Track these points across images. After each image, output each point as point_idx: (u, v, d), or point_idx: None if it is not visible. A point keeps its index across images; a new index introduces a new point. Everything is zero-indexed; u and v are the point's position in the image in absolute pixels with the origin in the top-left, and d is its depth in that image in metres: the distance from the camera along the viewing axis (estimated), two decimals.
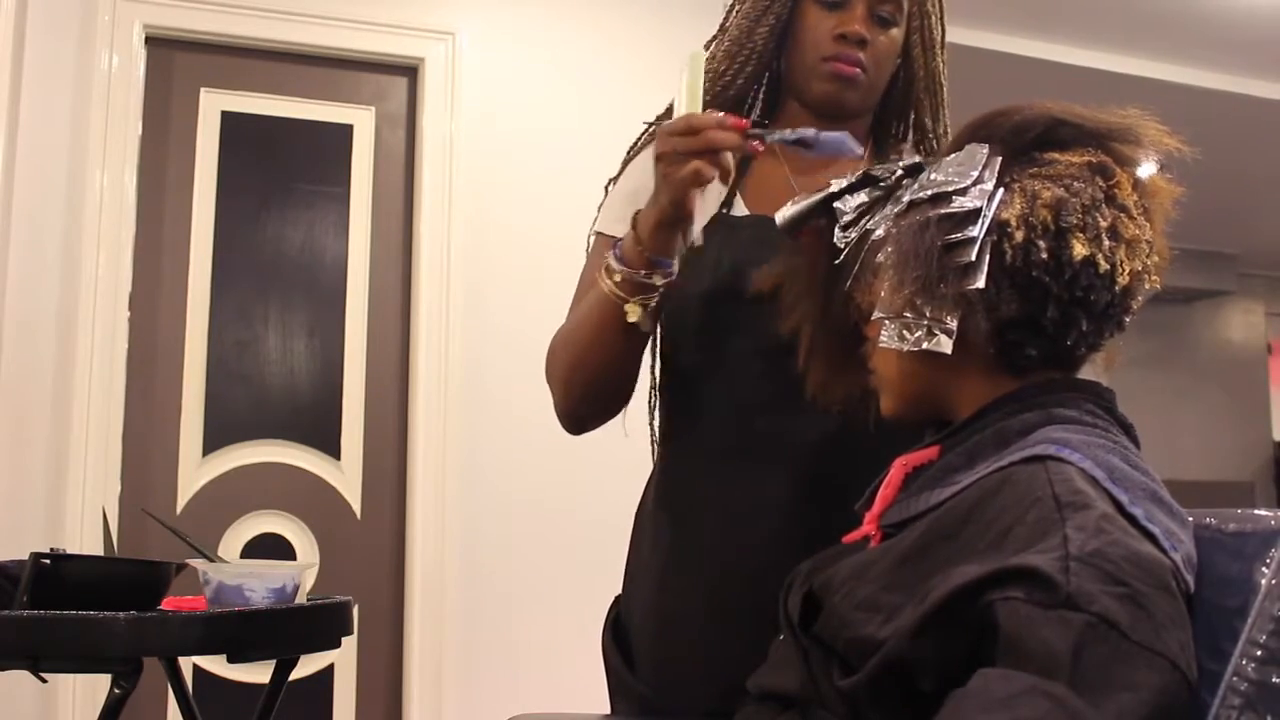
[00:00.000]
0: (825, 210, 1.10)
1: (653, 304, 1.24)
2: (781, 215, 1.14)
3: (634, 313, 1.23)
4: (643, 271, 1.22)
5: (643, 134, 1.48)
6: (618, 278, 1.23)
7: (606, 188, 1.47)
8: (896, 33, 1.38)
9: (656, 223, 1.20)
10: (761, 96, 1.46)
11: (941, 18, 1.43)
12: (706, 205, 1.31)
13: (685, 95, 1.22)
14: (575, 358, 1.33)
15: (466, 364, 3.22)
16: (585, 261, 1.43)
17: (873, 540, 1.02)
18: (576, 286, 1.43)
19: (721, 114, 1.18)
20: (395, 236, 3.31)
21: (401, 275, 3.30)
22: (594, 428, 1.41)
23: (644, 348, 1.34)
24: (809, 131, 1.22)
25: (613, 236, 1.34)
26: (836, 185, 1.10)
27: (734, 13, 1.45)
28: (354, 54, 3.29)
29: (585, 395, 1.35)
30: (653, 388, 1.47)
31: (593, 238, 1.44)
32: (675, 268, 1.24)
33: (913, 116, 1.45)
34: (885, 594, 0.90)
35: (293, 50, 3.25)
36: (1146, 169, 1.00)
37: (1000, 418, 0.98)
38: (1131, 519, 0.85)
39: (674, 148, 1.16)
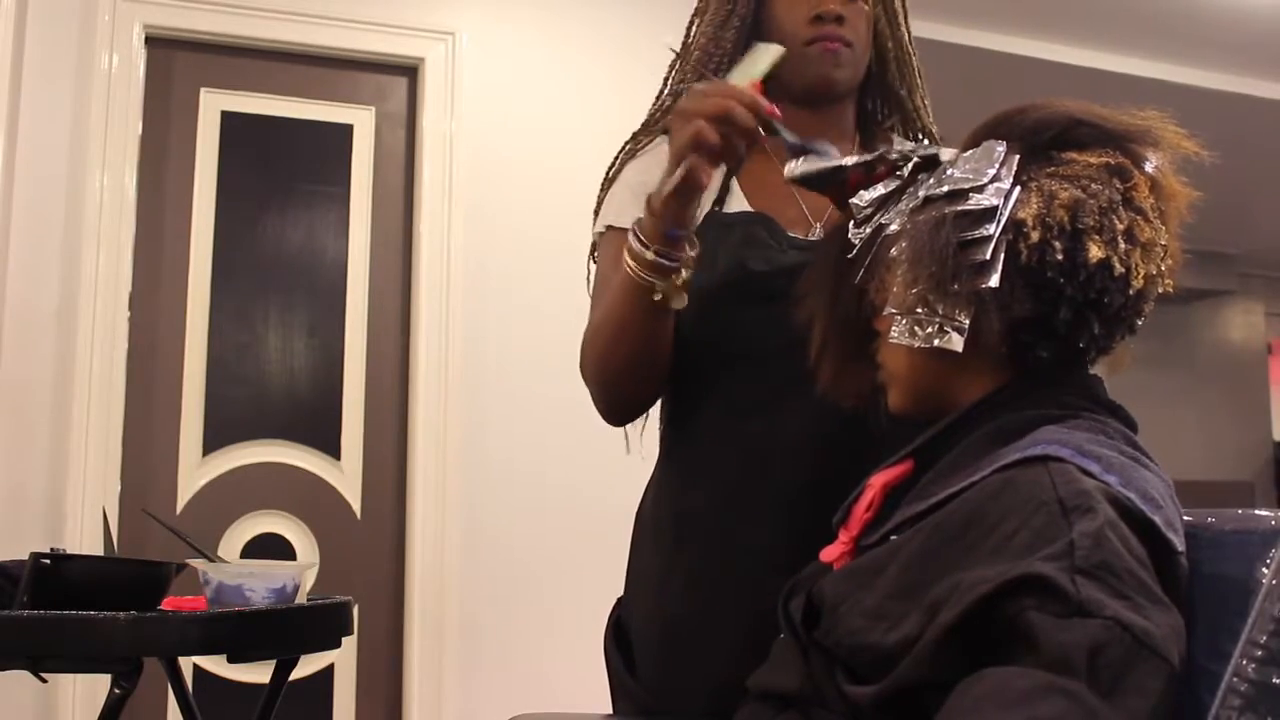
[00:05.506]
0: (833, 179, 1.10)
1: (680, 280, 1.21)
2: (791, 170, 1.13)
3: (668, 292, 1.21)
4: (657, 247, 1.19)
5: (635, 133, 1.47)
6: (644, 258, 1.20)
7: (603, 186, 1.46)
8: (864, 5, 1.38)
9: (668, 192, 1.17)
10: None
11: None
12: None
13: (737, 74, 1.22)
14: (607, 349, 1.31)
15: (466, 363, 3.22)
16: (599, 260, 1.42)
17: (847, 559, 1.01)
18: (593, 289, 1.41)
19: (756, 94, 1.16)
20: (395, 236, 3.31)
21: (401, 275, 3.29)
22: (637, 416, 1.39)
23: (674, 325, 1.31)
24: (820, 145, 1.18)
25: (624, 229, 1.31)
26: (850, 159, 1.09)
27: (694, 28, 1.46)
28: (354, 54, 3.29)
29: (621, 385, 1.33)
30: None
31: (598, 238, 1.43)
32: (694, 243, 1.21)
33: (892, 92, 1.45)
34: (890, 602, 0.90)
35: (293, 50, 3.25)
36: (1150, 165, 0.99)
37: (980, 423, 0.98)
38: (1129, 512, 0.85)
39: (691, 106, 1.15)
